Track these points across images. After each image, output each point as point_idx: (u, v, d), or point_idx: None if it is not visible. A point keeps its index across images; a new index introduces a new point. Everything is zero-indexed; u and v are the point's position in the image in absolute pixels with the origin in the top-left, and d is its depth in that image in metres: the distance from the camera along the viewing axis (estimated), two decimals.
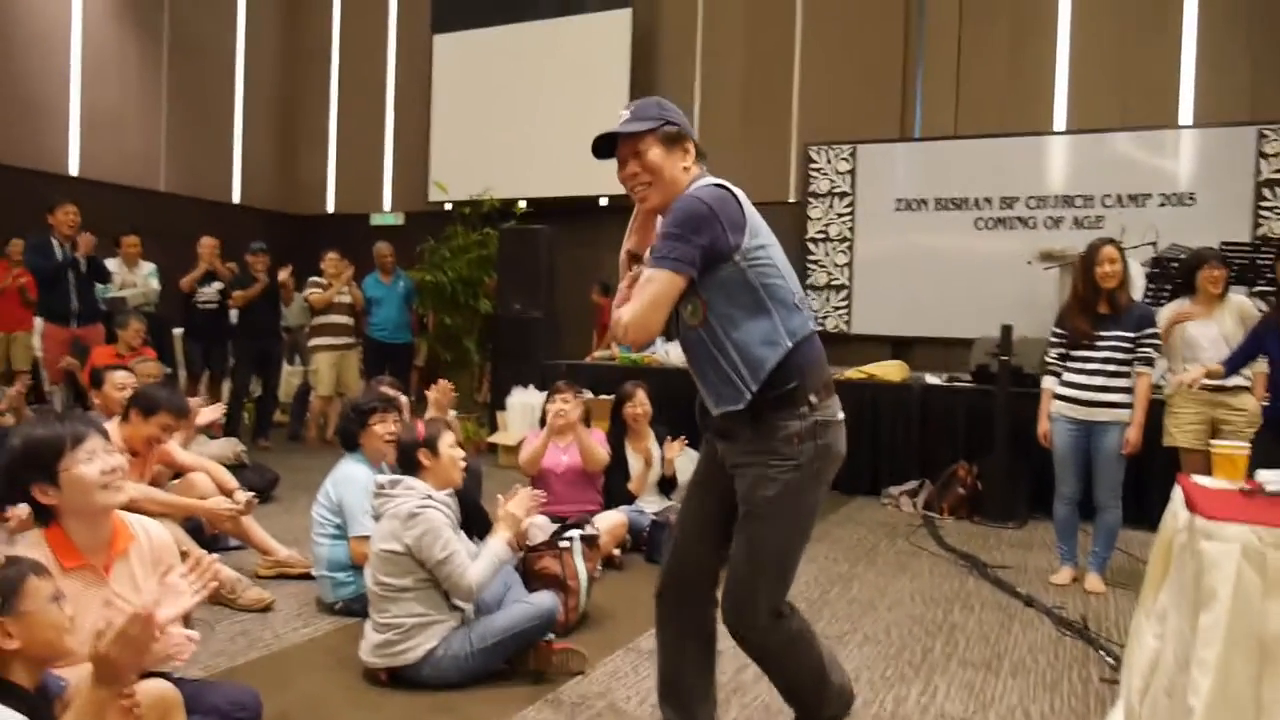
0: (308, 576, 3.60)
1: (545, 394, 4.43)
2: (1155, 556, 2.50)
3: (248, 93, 11.86)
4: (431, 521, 2.70)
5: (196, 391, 7.22)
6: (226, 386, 7.40)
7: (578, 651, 2.89)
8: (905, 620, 3.59)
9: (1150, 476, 5.11)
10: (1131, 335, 3.99)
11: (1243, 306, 4.44)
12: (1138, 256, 7.17)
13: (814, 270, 9.85)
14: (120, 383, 4.03)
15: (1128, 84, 8.75)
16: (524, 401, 6.84)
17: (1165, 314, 4.55)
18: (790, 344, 2.08)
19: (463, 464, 2.90)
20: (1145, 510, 5.28)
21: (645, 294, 2.00)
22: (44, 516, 2.02)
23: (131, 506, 3.10)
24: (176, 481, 3.77)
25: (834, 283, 9.81)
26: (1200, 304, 4.49)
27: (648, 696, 2.73)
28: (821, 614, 3.61)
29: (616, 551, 4.12)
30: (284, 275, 7.07)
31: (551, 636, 3.03)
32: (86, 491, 1.95)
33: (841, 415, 2.21)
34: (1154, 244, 7.14)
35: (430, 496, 2.79)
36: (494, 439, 6.98)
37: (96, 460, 1.97)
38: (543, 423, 4.16)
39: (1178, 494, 2.48)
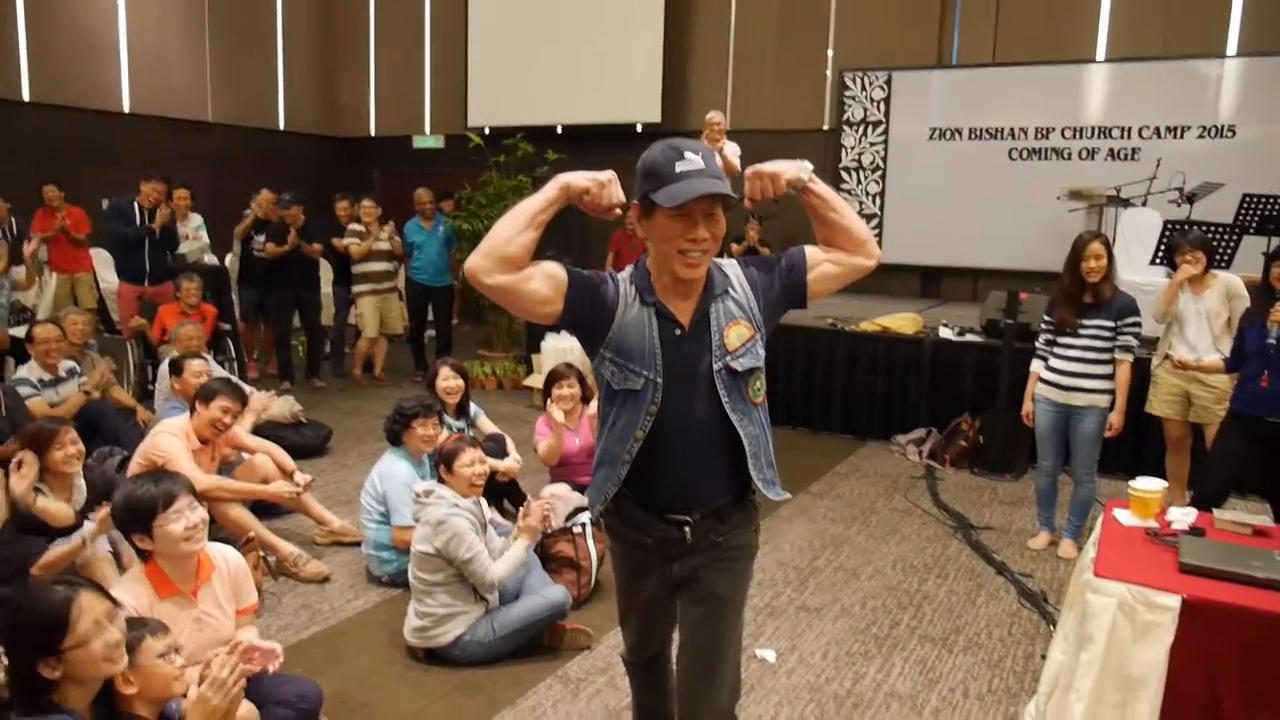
0: (359, 544, 4.13)
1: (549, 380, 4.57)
2: (1074, 579, 2.88)
3: (287, 19, 12.02)
4: (456, 527, 3.18)
5: (254, 339, 7.78)
6: None
7: (584, 630, 3.41)
8: (882, 591, 4.03)
9: (1145, 432, 5.41)
10: (1113, 325, 4.24)
11: (1229, 285, 4.62)
12: (1164, 198, 7.27)
13: (846, 199, 9.92)
14: (197, 370, 4.53)
15: (1173, 9, 8.52)
16: (556, 346, 7.25)
17: (1170, 283, 4.71)
18: None
19: (480, 482, 3.34)
20: (1138, 464, 5.65)
21: None
22: (143, 555, 2.53)
23: (207, 495, 3.66)
24: (241, 464, 4.31)
25: (865, 212, 9.91)
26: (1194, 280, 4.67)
27: None
28: (807, 584, 4.07)
29: None
30: (294, 237, 7.47)
31: (566, 611, 3.56)
32: (174, 544, 2.46)
33: None
34: (1180, 189, 7.15)
35: (456, 505, 3.26)
36: (528, 382, 7.45)
37: (182, 519, 2.46)
38: (545, 404, 4.51)
39: (1098, 526, 2.84)
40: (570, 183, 1.88)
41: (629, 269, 2.04)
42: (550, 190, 1.88)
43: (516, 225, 1.86)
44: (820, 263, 2.02)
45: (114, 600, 2.04)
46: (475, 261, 1.85)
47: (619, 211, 1.92)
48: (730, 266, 2.04)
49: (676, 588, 2.11)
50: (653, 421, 1.95)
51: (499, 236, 1.85)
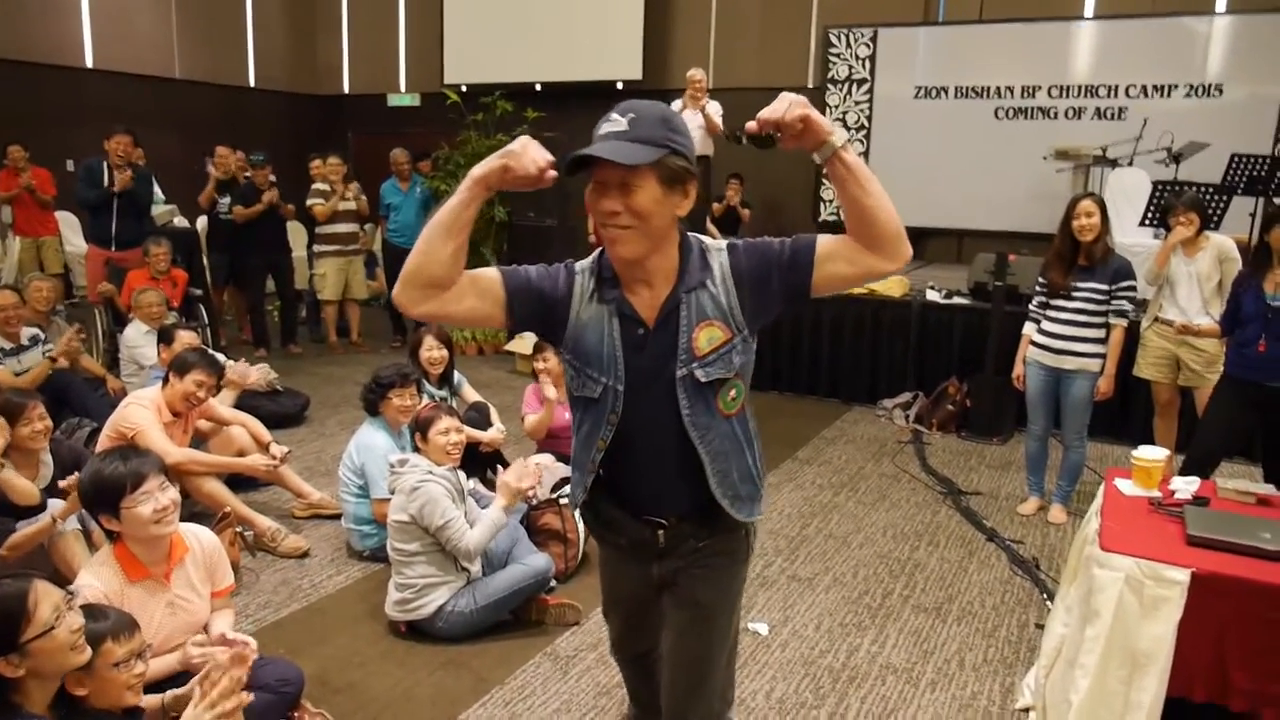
0: (339, 516, 4.02)
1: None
2: (1074, 549, 2.83)
3: None
4: (430, 494, 3.09)
5: (221, 304, 7.57)
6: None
7: (573, 605, 3.33)
8: (873, 559, 3.98)
9: (1132, 396, 5.39)
10: (1106, 288, 4.17)
11: (1221, 247, 4.55)
12: (1150, 158, 7.19)
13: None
14: (187, 341, 4.40)
15: None
16: None
17: (1164, 245, 4.64)
18: None
19: (455, 451, 3.25)
20: (1124, 427, 5.65)
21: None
22: (112, 535, 2.41)
23: (179, 469, 3.54)
24: (215, 438, 4.17)
25: None
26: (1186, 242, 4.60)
27: None
28: (798, 553, 4.02)
29: None
30: (273, 196, 7.18)
31: (554, 585, 3.49)
32: (142, 526, 2.34)
33: None
34: (1169, 149, 7.06)
35: (431, 472, 3.16)
36: (510, 347, 7.31)
37: (151, 500, 2.33)
38: (535, 375, 4.40)
39: (1099, 496, 2.78)
40: (482, 173, 1.61)
41: (594, 255, 1.81)
42: (463, 190, 1.63)
43: (434, 241, 1.63)
44: (830, 259, 1.69)
45: (65, 590, 1.92)
46: (399, 293, 1.66)
47: (554, 173, 1.62)
48: (718, 253, 1.76)
49: (660, 588, 1.95)
50: (614, 431, 1.77)
51: (418, 259, 1.64)
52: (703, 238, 1.78)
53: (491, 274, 1.73)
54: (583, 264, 1.80)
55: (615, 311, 1.74)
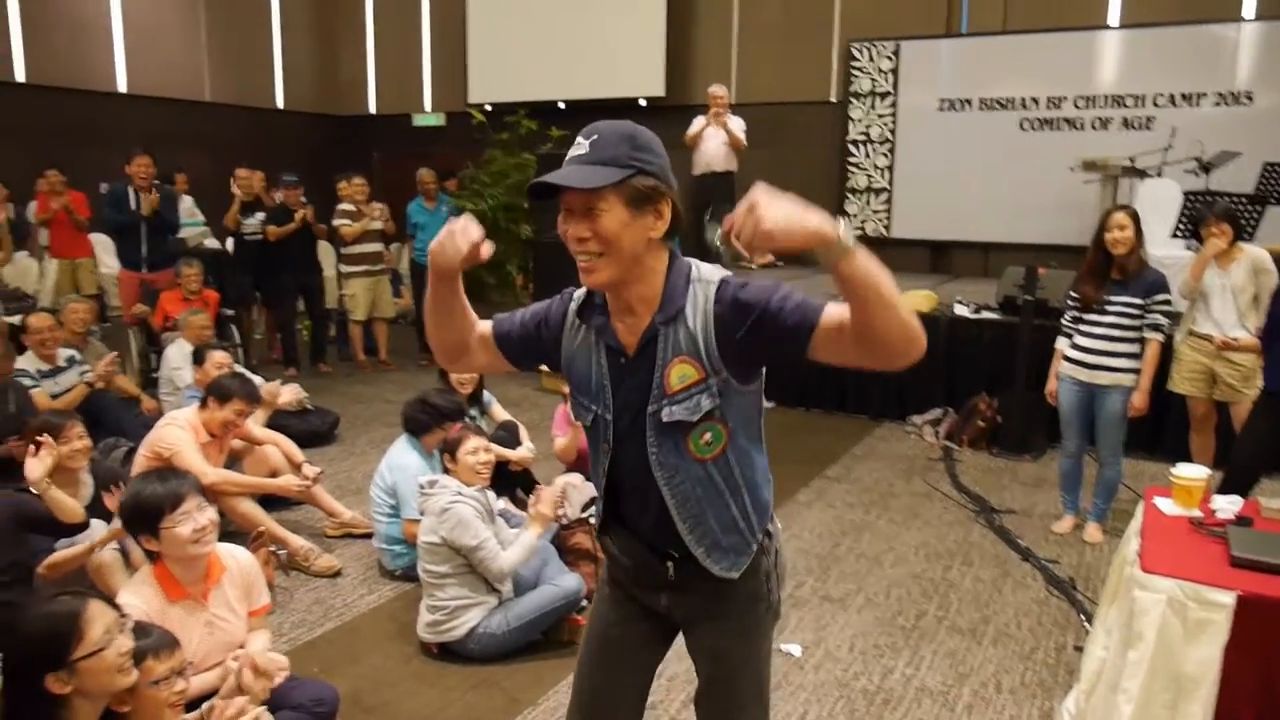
0: (370, 535, 4.04)
1: None
2: (1113, 570, 2.79)
3: None
4: (461, 515, 3.10)
5: (250, 324, 7.66)
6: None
7: None
8: (906, 579, 3.94)
9: (1166, 410, 5.31)
10: (1140, 302, 4.11)
11: (1256, 259, 4.49)
12: (1180, 168, 7.12)
13: (854, 173, 9.82)
14: (220, 362, 4.46)
15: None
16: None
17: (1199, 257, 4.60)
18: (771, 477, 1.80)
19: (484, 470, 3.26)
20: (1159, 442, 5.56)
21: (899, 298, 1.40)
22: (152, 556, 2.44)
23: (214, 489, 3.58)
24: (249, 457, 4.21)
25: (874, 186, 9.77)
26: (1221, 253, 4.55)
27: (664, 669, 3.15)
28: (830, 572, 3.99)
29: None
30: (308, 214, 7.26)
31: (585, 604, 3.48)
32: (181, 546, 2.37)
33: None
34: (1198, 159, 7.00)
35: (460, 493, 3.18)
36: None
37: (190, 521, 2.36)
38: (565, 396, 4.42)
39: (1138, 515, 2.74)
40: (431, 264, 1.64)
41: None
42: (429, 280, 1.69)
43: (429, 321, 1.75)
44: (827, 343, 1.50)
45: (120, 610, 1.95)
46: (438, 360, 1.87)
47: (488, 246, 1.62)
48: (706, 285, 1.62)
49: (665, 621, 1.87)
50: (609, 459, 1.71)
51: (428, 335, 1.81)
52: (698, 264, 1.66)
53: (486, 326, 1.80)
54: (580, 290, 1.74)
55: (601, 339, 1.68)
